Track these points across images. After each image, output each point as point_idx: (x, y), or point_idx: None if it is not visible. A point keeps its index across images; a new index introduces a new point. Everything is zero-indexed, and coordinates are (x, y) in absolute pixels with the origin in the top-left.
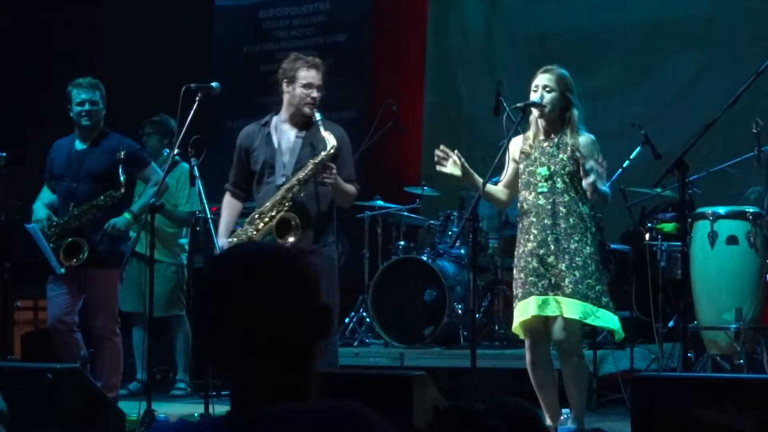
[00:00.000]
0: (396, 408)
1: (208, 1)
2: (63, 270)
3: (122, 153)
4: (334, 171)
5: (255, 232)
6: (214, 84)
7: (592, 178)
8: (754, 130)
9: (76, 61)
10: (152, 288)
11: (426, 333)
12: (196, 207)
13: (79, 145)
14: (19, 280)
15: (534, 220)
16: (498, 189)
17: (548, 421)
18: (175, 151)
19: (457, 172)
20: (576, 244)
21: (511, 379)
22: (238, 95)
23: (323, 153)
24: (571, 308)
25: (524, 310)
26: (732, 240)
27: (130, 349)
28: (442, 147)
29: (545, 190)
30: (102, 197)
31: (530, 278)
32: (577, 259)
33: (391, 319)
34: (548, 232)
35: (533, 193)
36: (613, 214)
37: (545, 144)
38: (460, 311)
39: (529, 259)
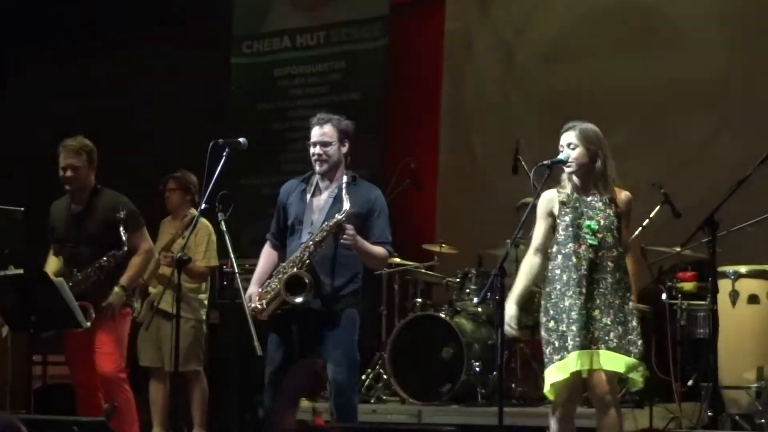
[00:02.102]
0: None
1: (225, 59)
2: (88, 324)
3: (122, 213)
4: (350, 233)
5: (277, 285)
6: (241, 139)
7: None
8: None
9: (81, 118)
10: (178, 343)
11: (444, 390)
12: (213, 262)
13: (74, 208)
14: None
15: (585, 273)
16: (536, 267)
17: None
18: (202, 206)
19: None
20: (620, 300)
21: None
22: (252, 152)
23: (338, 216)
24: (614, 362)
25: (573, 363)
26: (753, 299)
27: (147, 405)
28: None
29: (595, 243)
30: (105, 258)
31: (582, 331)
32: (620, 314)
33: (408, 376)
34: (595, 285)
35: (583, 246)
36: None
37: (589, 198)
38: (477, 368)
39: (583, 312)
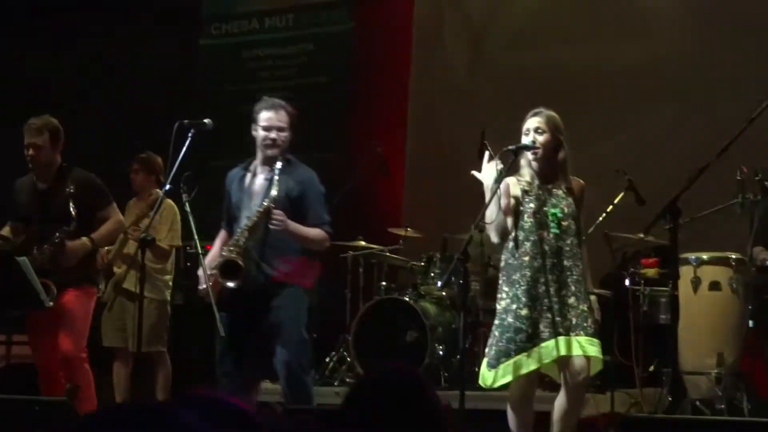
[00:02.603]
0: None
1: (193, 40)
2: (51, 304)
3: (71, 188)
4: (278, 218)
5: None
6: (206, 120)
7: None
8: (738, 177)
9: (51, 98)
10: (141, 323)
11: None
12: (177, 242)
13: (40, 186)
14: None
15: (555, 260)
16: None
17: None
18: (167, 187)
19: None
20: (585, 287)
21: (494, 421)
22: (220, 134)
23: (265, 202)
24: (594, 347)
25: (548, 351)
26: (715, 286)
27: (111, 385)
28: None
29: (559, 231)
30: (57, 234)
31: (557, 318)
32: (588, 300)
33: (372, 359)
34: (569, 273)
35: (550, 234)
36: (594, 257)
37: (550, 186)
38: (441, 352)
39: (550, 300)
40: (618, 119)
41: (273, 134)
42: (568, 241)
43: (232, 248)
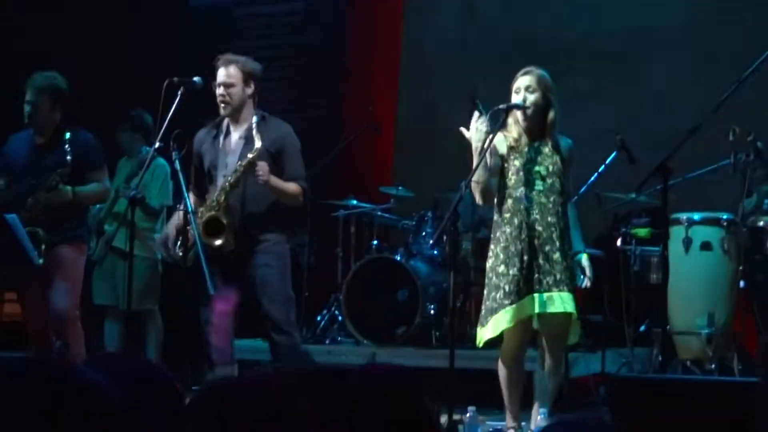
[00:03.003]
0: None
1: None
2: (41, 261)
3: (68, 143)
4: (263, 171)
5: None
6: (195, 78)
7: None
8: (730, 138)
9: (50, 60)
10: (131, 282)
11: (398, 332)
12: (166, 200)
13: (37, 140)
14: None
15: (538, 217)
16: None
17: (512, 421)
18: (156, 145)
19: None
20: (568, 243)
21: (482, 379)
22: (211, 94)
23: (249, 155)
24: (571, 304)
25: (528, 306)
26: (706, 246)
27: (102, 343)
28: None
29: (542, 188)
30: (51, 177)
31: (535, 275)
32: (569, 258)
33: (363, 318)
34: (552, 229)
35: (534, 191)
36: (586, 218)
37: (537, 144)
38: (432, 311)
39: (533, 256)
40: (610, 80)
41: (221, 90)
42: (551, 198)
43: (213, 205)
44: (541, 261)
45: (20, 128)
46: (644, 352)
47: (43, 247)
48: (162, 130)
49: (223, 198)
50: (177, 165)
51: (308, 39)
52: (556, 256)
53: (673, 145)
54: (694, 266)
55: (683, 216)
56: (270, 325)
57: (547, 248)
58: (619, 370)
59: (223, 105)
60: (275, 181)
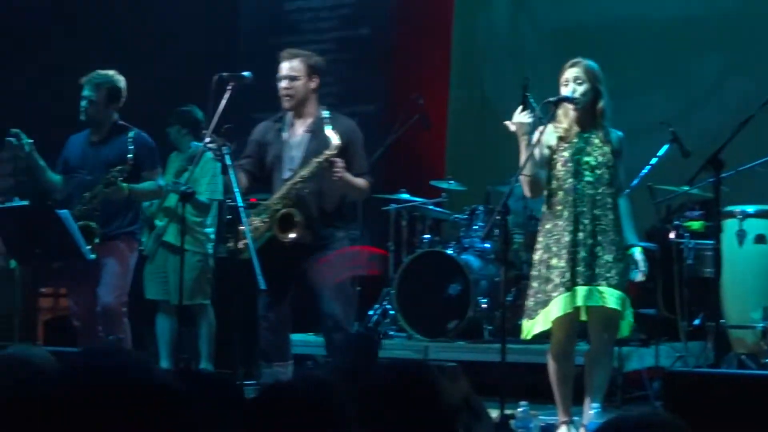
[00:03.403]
0: (425, 398)
1: None
2: (94, 256)
3: (127, 142)
4: (341, 167)
5: (261, 224)
6: (245, 73)
7: None
8: None
9: (101, 52)
10: (182, 276)
11: (450, 327)
12: (217, 195)
13: (93, 137)
14: (46, 266)
15: (585, 209)
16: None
17: (563, 416)
18: (207, 140)
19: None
20: (618, 237)
21: (534, 374)
22: (263, 87)
23: (326, 152)
24: (615, 300)
25: (575, 299)
26: (760, 239)
27: (154, 338)
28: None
29: (592, 180)
30: (111, 173)
31: (578, 268)
32: (620, 252)
33: (415, 313)
34: (597, 222)
35: (582, 182)
36: (638, 211)
37: (586, 135)
38: (484, 305)
39: (579, 248)
40: (662, 72)
41: (285, 83)
42: (600, 190)
43: (283, 201)
44: (589, 253)
45: (78, 127)
46: (698, 346)
47: (96, 240)
48: (212, 126)
49: (294, 193)
50: (228, 160)
51: (358, 32)
52: (605, 248)
53: (725, 137)
54: (748, 259)
55: (737, 209)
56: (328, 322)
57: (596, 240)
58: (673, 364)
59: (287, 98)
60: (348, 176)
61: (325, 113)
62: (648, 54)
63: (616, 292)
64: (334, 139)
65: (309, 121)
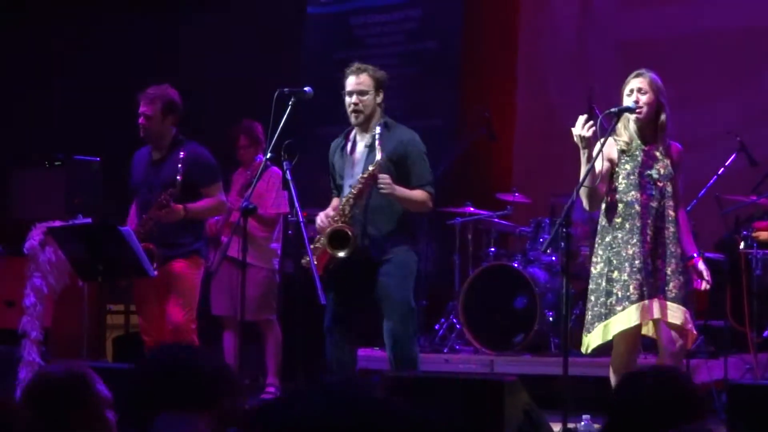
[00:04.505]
0: (488, 412)
1: (300, 8)
2: (156, 273)
3: (181, 159)
4: (385, 182)
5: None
6: (306, 89)
7: None
8: None
9: (163, 67)
10: (243, 291)
11: (516, 340)
12: (283, 209)
13: (154, 155)
14: (111, 283)
15: (649, 221)
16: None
17: None
18: (268, 155)
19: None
20: (679, 249)
21: (601, 387)
22: (327, 102)
23: (370, 167)
24: (675, 313)
25: (637, 313)
26: None
27: (222, 354)
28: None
29: (654, 192)
30: (162, 196)
31: (641, 281)
32: (681, 264)
33: (481, 326)
34: (659, 235)
35: (645, 195)
36: (706, 221)
37: (648, 147)
38: (551, 319)
39: (648, 261)
40: (728, 82)
41: (354, 99)
42: (663, 203)
43: (338, 217)
44: (651, 266)
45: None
46: None
47: (155, 264)
48: (273, 140)
49: (348, 209)
50: (288, 175)
51: (424, 46)
52: (666, 261)
53: None
54: None
55: None
56: (388, 337)
57: (657, 253)
58: (743, 376)
59: (354, 114)
60: (400, 191)
61: (378, 128)
62: (714, 65)
63: (676, 306)
64: (378, 155)
65: (369, 135)
